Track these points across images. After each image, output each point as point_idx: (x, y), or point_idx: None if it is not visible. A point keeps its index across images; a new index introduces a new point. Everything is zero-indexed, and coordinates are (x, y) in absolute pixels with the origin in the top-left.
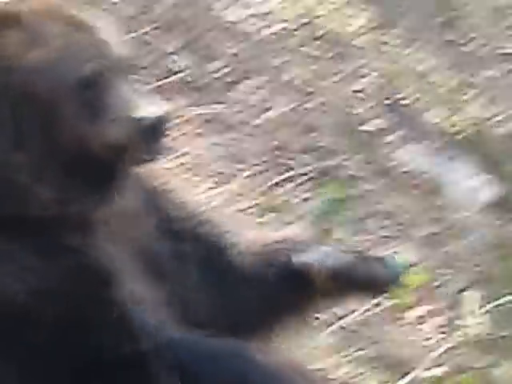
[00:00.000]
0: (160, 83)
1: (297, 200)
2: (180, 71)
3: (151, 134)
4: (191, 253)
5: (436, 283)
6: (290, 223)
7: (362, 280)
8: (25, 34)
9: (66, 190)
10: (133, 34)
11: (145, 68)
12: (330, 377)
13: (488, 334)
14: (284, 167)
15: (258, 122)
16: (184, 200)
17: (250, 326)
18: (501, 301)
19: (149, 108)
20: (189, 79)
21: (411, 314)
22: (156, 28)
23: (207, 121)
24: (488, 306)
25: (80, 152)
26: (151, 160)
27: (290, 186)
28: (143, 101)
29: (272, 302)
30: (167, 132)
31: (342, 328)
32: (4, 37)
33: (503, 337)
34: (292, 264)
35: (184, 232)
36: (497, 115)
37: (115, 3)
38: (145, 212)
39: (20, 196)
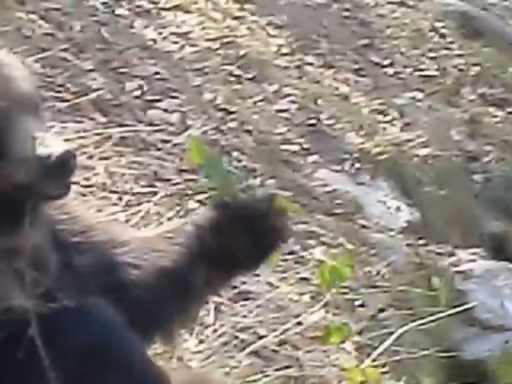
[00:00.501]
0: (77, 101)
1: None
2: (98, 89)
3: (57, 171)
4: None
5: (357, 303)
6: None
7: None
8: None
9: None
10: (50, 52)
11: (62, 86)
12: None
13: (408, 353)
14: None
15: (177, 141)
16: (90, 223)
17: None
18: (421, 321)
19: (54, 145)
20: (107, 97)
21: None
22: (74, 45)
23: (125, 139)
24: (409, 326)
25: None
26: (59, 197)
27: (208, 205)
28: (49, 138)
29: (167, 305)
30: (74, 168)
31: (264, 347)
32: None
33: (424, 356)
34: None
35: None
36: (416, 138)
37: (33, 20)
38: (49, 247)
39: None
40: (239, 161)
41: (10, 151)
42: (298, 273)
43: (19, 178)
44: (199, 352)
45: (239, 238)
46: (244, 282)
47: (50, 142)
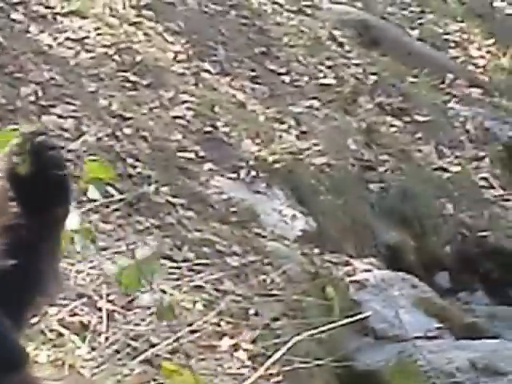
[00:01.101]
0: None
1: (111, 226)
2: None
3: None
4: None
5: (251, 311)
6: (104, 249)
7: None
8: None
9: None
10: None
11: None
12: None
13: (302, 363)
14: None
15: (72, 147)
16: None
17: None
18: (315, 330)
19: None
20: (2, 102)
21: (225, 343)
22: None
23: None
24: (303, 335)
25: None
26: None
27: (105, 211)
28: None
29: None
30: None
31: (156, 356)
32: None
33: (318, 365)
34: None
35: None
36: (312, 147)
37: None
38: None
39: None
40: (134, 167)
41: None
42: (191, 280)
43: None
44: (91, 359)
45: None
46: (137, 290)
47: None
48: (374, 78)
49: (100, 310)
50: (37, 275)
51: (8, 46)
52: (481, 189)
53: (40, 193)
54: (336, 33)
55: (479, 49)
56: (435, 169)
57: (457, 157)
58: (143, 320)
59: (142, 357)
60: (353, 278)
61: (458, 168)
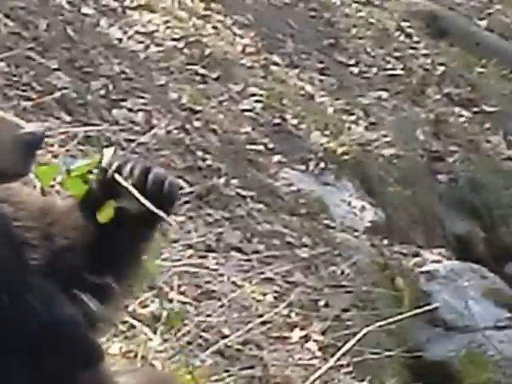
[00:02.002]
0: (43, 100)
1: (182, 218)
2: (63, 88)
3: (31, 147)
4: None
5: (321, 303)
6: (175, 241)
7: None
8: None
9: None
10: (16, 51)
11: (27, 84)
12: None
13: (372, 354)
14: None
15: (142, 140)
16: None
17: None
18: (385, 321)
19: (27, 125)
20: (73, 96)
21: (296, 334)
22: (40, 44)
23: (90, 138)
24: (373, 326)
25: None
26: (19, 176)
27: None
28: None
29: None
30: (40, 147)
31: (228, 347)
32: None
33: (388, 356)
34: None
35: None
36: (381, 138)
37: None
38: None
39: None
40: (204, 160)
41: None
42: (262, 273)
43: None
44: (163, 351)
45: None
46: (208, 282)
47: (21, 123)
48: (442, 68)
49: (171, 301)
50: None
51: (78, 40)
52: None
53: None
54: (404, 24)
55: None
56: (504, 159)
57: None
58: (214, 311)
59: (213, 348)
60: (422, 269)
61: None
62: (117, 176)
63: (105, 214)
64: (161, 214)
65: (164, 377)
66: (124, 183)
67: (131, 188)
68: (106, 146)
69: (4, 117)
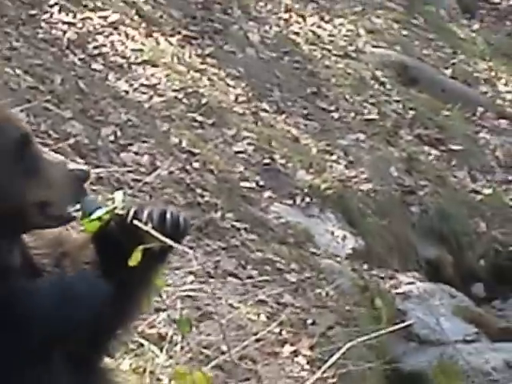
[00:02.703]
0: (59, 145)
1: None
2: (77, 135)
3: (82, 182)
4: None
5: (309, 321)
6: (178, 268)
7: None
8: None
9: None
10: (34, 103)
11: (45, 132)
12: None
13: (355, 366)
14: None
15: (147, 179)
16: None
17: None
18: (366, 337)
19: (72, 164)
20: (85, 142)
21: (287, 349)
22: (55, 96)
23: (101, 179)
24: (355, 341)
25: (12, 208)
26: (61, 223)
27: None
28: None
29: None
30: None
31: (226, 362)
32: None
33: (369, 368)
34: None
35: None
36: (359, 175)
37: (17, 75)
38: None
39: None
40: (202, 196)
41: (39, 169)
42: (255, 295)
43: (50, 198)
44: (169, 366)
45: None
46: (207, 304)
47: (68, 162)
48: (412, 112)
49: (175, 322)
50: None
51: (89, 92)
52: (511, 208)
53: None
54: (378, 73)
55: (506, 84)
56: (469, 191)
57: (488, 181)
58: (214, 330)
59: (213, 363)
60: (398, 290)
61: (490, 190)
62: (136, 221)
63: (135, 258)
64: (184, 248)
65: None
66: (144, 227)
67: (152, 230)
68: (117, 189)
69: (55, 156)
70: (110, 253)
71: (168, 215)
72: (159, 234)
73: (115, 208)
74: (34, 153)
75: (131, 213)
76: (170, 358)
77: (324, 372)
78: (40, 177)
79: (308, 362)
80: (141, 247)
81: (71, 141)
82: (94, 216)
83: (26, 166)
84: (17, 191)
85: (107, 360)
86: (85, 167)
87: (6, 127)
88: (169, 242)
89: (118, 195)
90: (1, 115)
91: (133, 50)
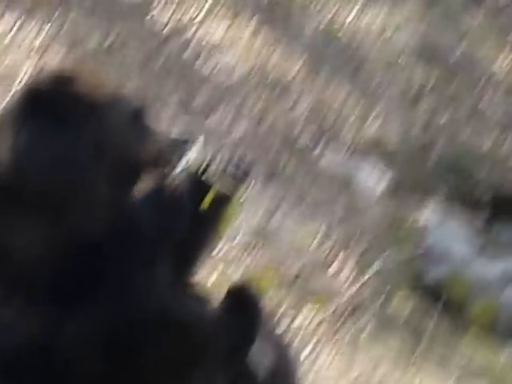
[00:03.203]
0: (159, 111)
1: (253, 192)
2: (173, 103)
3: (184, 144)
4: None
5: (352, 244)
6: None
7: None
8: (89, 84)
9: (111, 193)
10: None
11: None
12: None
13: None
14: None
15: (228, 139)
16: None
17: None
18: (395, 255)
19: (175, 128)
20: (181, 109)
21: (334, 266)
22: (160, 71)
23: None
24: (388, 254)
25: (133, 162)
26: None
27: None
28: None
29: None
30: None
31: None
32: (76, 85)
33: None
34: None
35: None
36: (389, 132)
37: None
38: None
39: (78, 196)
40: (269, 151)
41: (151, 134)
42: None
43: (158, 152)
44: None
45: None
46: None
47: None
48: (431, 83)
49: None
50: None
51: (182, 72)
52: None
53: None
54: (405, 52)
55: None
56: (474, 144)
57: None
58: (279, 251)
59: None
60: (421, 218)
61: None
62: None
63: (207, 200)
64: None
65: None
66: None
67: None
68: (195, 140)
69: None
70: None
71: (234, 164)
72: (227, 178)
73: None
74: (145, 121)
75: (205, 162)
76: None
77: (364, 283)
78: (151, 139)
79: (351, 275)
80: (212, 191)
81: (170, 107)
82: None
83: (140, 131)
84: (135, 150)
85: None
86: (185, 130)
87: (124, 102)
88: (235, 185)
89: (195, 148)
90: (120, 93)
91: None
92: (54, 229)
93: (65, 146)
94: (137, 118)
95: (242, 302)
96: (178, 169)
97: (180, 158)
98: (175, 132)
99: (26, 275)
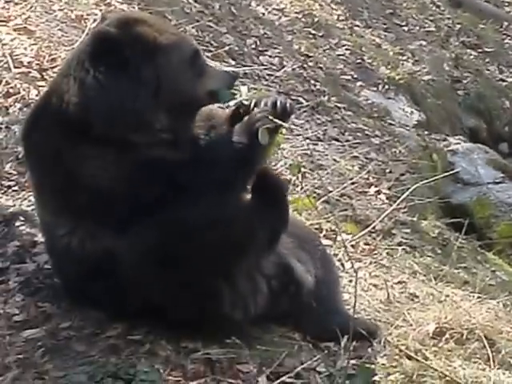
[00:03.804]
0: (217, 52)
1: (302, 121)
2: (230, 44)
3: (234, 80)
4: None
5: (387, 170)
6: (298, 135)
7: None
8: (152, 27)
9: (172, 123)
10: (201, 22)
11: (208, 42)
12: None
13: (419, 200)
14: (293, 102)
15: (278, 74)
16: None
17: None
18: (426, 181)
19: (228, 68)
20: (235, 49)
21: (372, 190)
22: (215, 17)
23: (246, 74)
24: (419, 183)
25: (189, 97)
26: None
27: (296, 113)
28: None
29: None
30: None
31: (331, 198)
32: (141, 28)
33: (429, 202)
34: None
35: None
36: (422, 69)
37: (189, 3)
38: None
39: (141, 126)
40: (315, 85)
41: (208, 71)
42: (351, 153)
43: (214, 86)
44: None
45: None
46: (318, 159)
47: (224, 68)
48: (458, 26)
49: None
50: None
51: (238, 14)
52: None
53: None
54: None
55: None
56: (497, 80)
57: (511, 72)
58: (322, 177)
59: (322, 199)
60: (448, 148)
61: None
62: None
63: (264, 136)
64: (286, 125)
65: (305, 226)
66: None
67: (270, 116)
68: (243, 84)
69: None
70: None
71: (278, 103)
72: (273, 116)
73: (243, 99)
74: (201, 61)
75: (253, 103)
76: (293, 194)
77: (398, 204)
78: (206, 76)
79: (387, 198)
80: (267, 129)
81: (226, 48)
82: (231, 103)
83: (196, 70)
84: (192, 86)
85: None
86: (234, 69)
87: (183, 44)
88: (279, 122)
89: (244, 89)
90: (179, 36)
91: None
92: (121, 155)
93: (127, 83)
94: (194, 58)
95: (269, 195)
96: (232, 103)
97: (233, 95)
98: (228, 70)
99: (93, 200)
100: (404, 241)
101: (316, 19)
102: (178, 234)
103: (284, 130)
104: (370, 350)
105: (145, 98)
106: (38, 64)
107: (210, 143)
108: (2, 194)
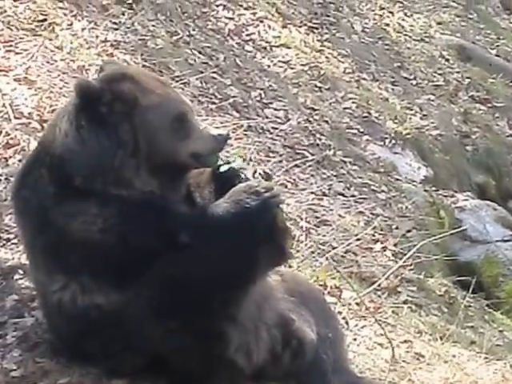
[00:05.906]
0: (222, 104)
1: (307, 176)
2: (234, 96)
3: (223, 144)
4: None
5: (393, 227)
6: (303, 189)
7: None
8: (137, 86)
9: (152, 182)
10: (205, 73)
11: (212, 94)
12: None
13: (426, 257)
14: (298, 155)
15: (283, 127)
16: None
17: None
18: (433, 238)
19: (217, 130)
20: (240, 101)
21: (378, 246)
22: (220, 69)
23: (251, 127)
24: (426, 241)
25: (171, 160)
26: (215, 164)
27: (302, 167)
28: (211, 127)
29: None
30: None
31: (336, 254)
32: (124, 86)
33: (436, 259)
34: None
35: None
36: (430, 124)
37: (193, 54)
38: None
39: (121, 182)
40: (320, 139)
41: (192, 134)
42: (357, 208)
43: (199, 149)
44: (296, 258)
45: None
46: (323, 214)
47: (214, 129)
48: (467, 80)
49: (301, 227)
50: None
51: (243, 66)
52: None
53: None
54: (444, 52)
55: None
56: (507, 136)
57: None
58: (327, 232)
59: (327, 255)
60: (456, 205)
61: None
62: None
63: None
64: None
65: (308, 283)
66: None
67: None
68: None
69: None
70: (222, 188)
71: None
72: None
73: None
74: (187, 123)
75: (246, 175)
76: (297, 251)
77: (404, 261)
78: (191, 139)
79: (393, 255)
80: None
81: (230, 100)
82: (221, 169)
83: (180, 133)
84: (172, 149)
85: None
86: (224, 131)
87: (166, 106)
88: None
89: (239, 160)
90: (164, 97)
91: (273, 36)
92: (104, 208)
93: (106, 141)
94: (178, 120)
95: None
96: (222, 168)
97: (219, 159)
98: (221, 132)
99: (87, 255)
100: (410, 299)
101: (322, 72)
102: (179, 287)
103: (289, 185)
104: None
105: (123, 156)
106: (38, 115)
107: (213, 207)
108: (1, 246)
